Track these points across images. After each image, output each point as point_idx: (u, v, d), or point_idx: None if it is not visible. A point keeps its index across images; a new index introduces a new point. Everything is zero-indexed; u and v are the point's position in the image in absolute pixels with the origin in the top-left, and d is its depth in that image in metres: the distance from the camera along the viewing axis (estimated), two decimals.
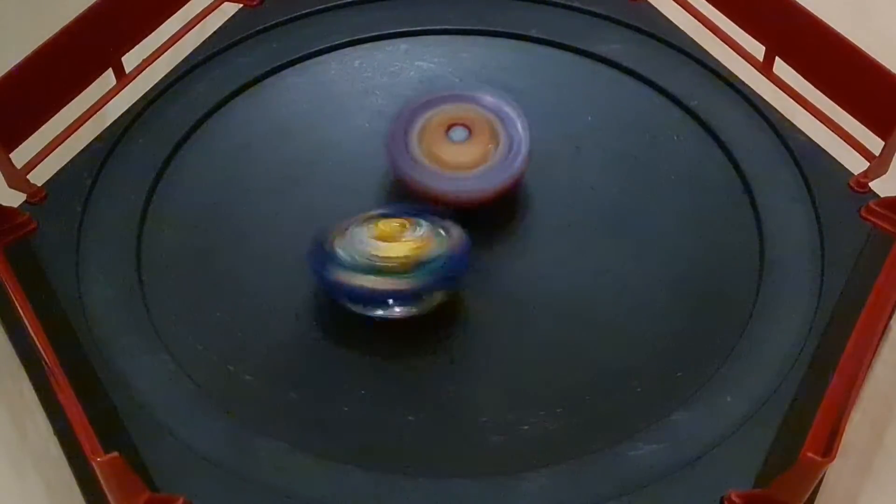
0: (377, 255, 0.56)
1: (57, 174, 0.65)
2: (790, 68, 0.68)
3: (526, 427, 0.56)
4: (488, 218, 0.63)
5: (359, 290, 0.56)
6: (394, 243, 0.57)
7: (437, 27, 0.73)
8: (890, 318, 0.60)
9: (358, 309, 0.58)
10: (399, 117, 0.63)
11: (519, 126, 0.63)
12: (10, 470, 0.58)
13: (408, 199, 0.62)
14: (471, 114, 0.63)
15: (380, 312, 0.57)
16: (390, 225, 0.58)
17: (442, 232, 0.58)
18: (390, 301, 0.57)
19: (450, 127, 0.63)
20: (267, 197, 0.65)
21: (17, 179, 0.63)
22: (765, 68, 0.70)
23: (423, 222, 0.58)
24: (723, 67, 0.70)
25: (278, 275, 0.61)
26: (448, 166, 0.62)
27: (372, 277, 0.56)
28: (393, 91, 0.70)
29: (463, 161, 0.62)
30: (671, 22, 0.73)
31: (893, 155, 0.64)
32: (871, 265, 0.59)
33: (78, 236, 0.62)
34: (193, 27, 0.73)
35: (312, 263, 0.58)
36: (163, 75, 0.70)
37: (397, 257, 0.56)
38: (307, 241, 0.62)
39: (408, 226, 0.58)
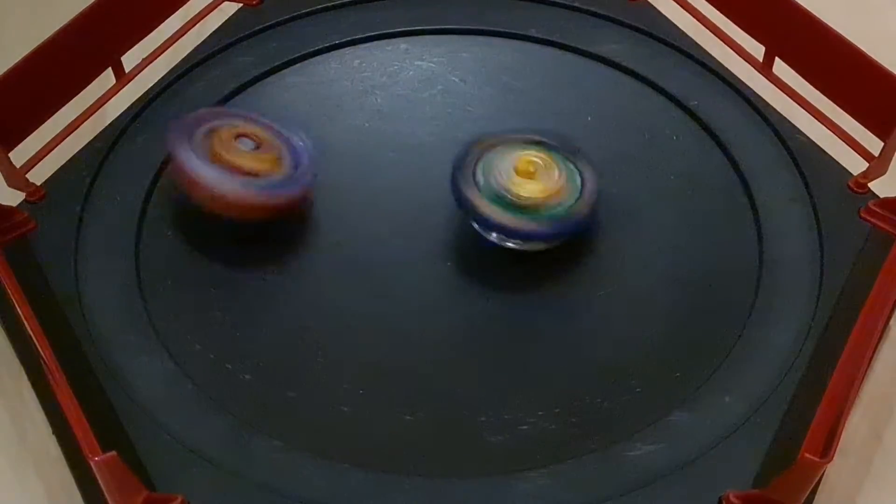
0: (510, 190, 0.59)
1: (56, 173, 0.65)
2: (790, 68, 0.68)
3: (524, 427, 0.56)
4: None
5: (483, 217, 0.59)
6: (529, 182, 0.59)
7: (437, 27, 0.73)
8: (889, 318, 0.60)
9: (479, 228, 0.61)
10: (179, 125, 0.62)
11: (303, 147, 0.63)
12: (9, 470, 0.58)
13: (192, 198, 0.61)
14: (256, 129, 0.63)
15: (493, 237, 0.61)
16: (533, 162, 0.60)
17: (578, 181, 0.61)
18: (505, 235, 0.60)
19: (238, 137, 0.62)
20: None
21: (16, 178, 0.63)
22: (764, 68, 0.70)
23: (564, 165, 0.61)
24: (722, 67, 0.70)
25: (278, 274, 0.61)
26: (240, 171, 0.60)
27: (499, 210, 0.59)
28: (392, 91, 0.70)
29: (255, 167, 0.60)
30: (671, 22, 0.73)
31: (893, 155, 0.64)
32: (871, 265, 0.59)
33: (77, 235, 0.62)
34: (193, 27, 0.73)
35: (454, 178, 0.60)
36: (162, 75, 0.70)
37: (528, 197, 0.59)
38: (307, 240, 0.63)
39: (549, 165, 0.60)
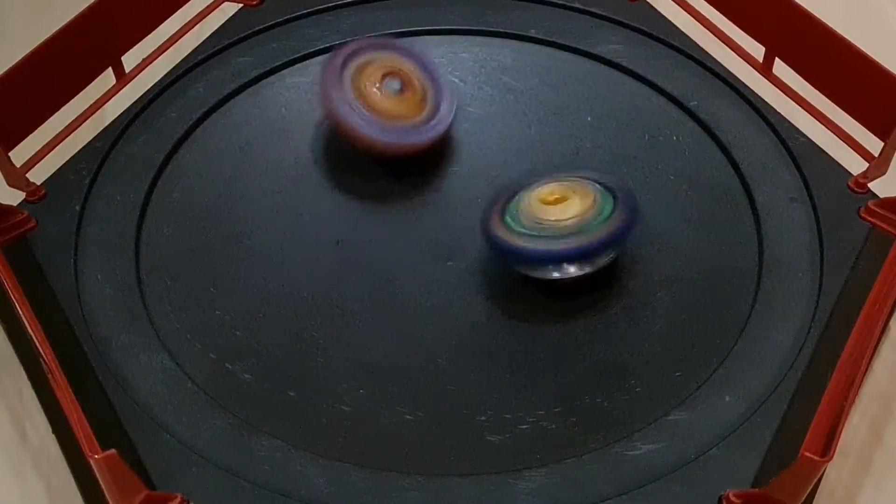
0: (544, 218, 0.58)
1: (56, 173, 0.65)
2: (790, 68, 0.68)
3: (524, 426, 0.56)
4: None
5: (530, 251, 0.58)
6: (559, 206, 0.58)
7: (437, 27, 0.73)
8: (889, 318, 0.60)
9: (536, 273, 0.59)
10: (331, 61, 0.65)
11: (444, 88, 0.66)
12: (9, 470, 0.58)
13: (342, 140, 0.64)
14: (403, 66, 0.65)
15: (556, 274, 0.58)
16: (554, 193, 0.59)
17: (606, 191, 0.59)
18: (563, 263, 0.58)
19: (384, 77, 0.64)
20: (266, 196, 0.65)
21: (16, 178, 0.64)
22: (764, 69, 0.70)
23: (588, 185, 0.59)
24: (722, 67, 0.70)
25: (277, 274, 0.61)
26: (384, 115, 0.63)
27: (542, 240, 0.57)
28: None
29: (397, 112, 0.64)
30: (671, 22, 0.73)
31: (893, 155, 0.64)
32: (871, 265, 0.59)
33: (77, 235, 0.62)
34: (193, 27, 0.73)
35: (488, 235, 0.59)
36: (162, 75, 0.70)
37: (565, 219, 0.58)
38: (307, 240, 0.63)
39: (574, 190, 0.59)
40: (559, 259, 0.58)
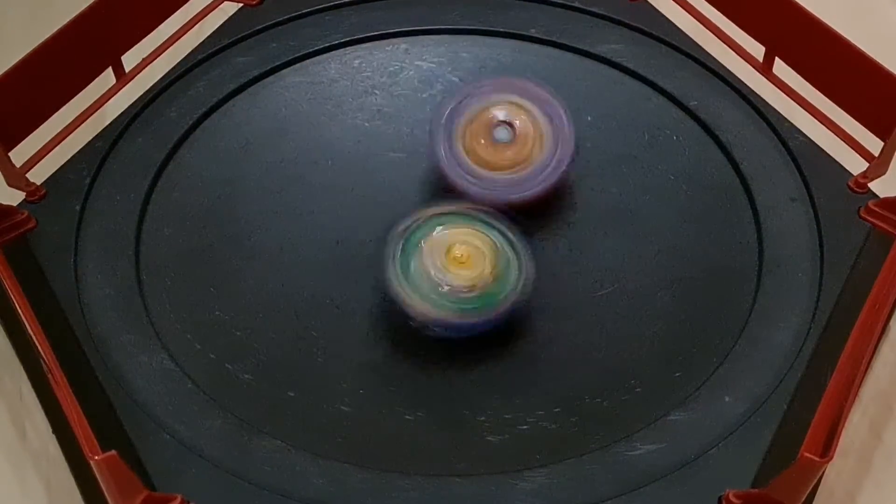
0: (452, 285, 0.56)
1: (56, 173, 0.65)
2: (790, 68, 0.68)
3: (524, 427, 0.56)
4: None
5: (442, 321, 0.56)
6: (467, 271, 0.56)
7: (437, 27, 0.73)
8: (889, 318, 0.60)
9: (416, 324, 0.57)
10: (443, 110, 0.63)
11: (565, 126, 0.62)
12: (9, 469, 0.58)
13: (445, 193, 0.61)
14: (516, 110, 0.62)
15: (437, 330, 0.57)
16: (464, 249, 0.57)
17: (512, 255, 0.58)
18: (447, 329, 0.57)
19: (495, 125, 0.62)
20: (266, 196, 0.65)
21: (16, 177, 0.63)
22: (764, 68, 0.70)
23: (497, 240, 0.58)
24: (723, 67, 0.70)
25: (277, 274, 0.61)
26: (490, 166, 0.61)
27: (451, 308, 0.56)
28: (392, 91, 0.70)
29: (505, 162, 0.61)
30: (671, 22, 0.73)
31: (893, 155, 0.64)
32: (871, 265, 0.59)
33: (77, 235, 0.62)
34: (193, 26, 0.73)
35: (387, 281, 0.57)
36: (162, 74, 0.70)
37: (470, 286, 0.56)
38: (307, 240, 0.63)
39: (482, 245, 0.57)
40: (445, 325, 0.57)
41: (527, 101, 0.62)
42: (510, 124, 0.62)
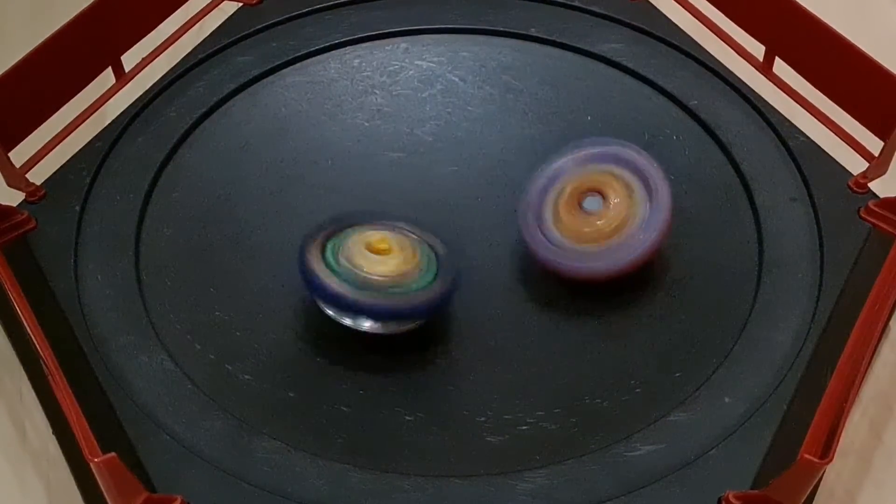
0: (362, 268, 0.55)
1: (56, 173, 0.65)
2: (790, 68, 0.68)
3: (524, 427, 0.56)
4: (488, 217, 0.63)
5: (338, 296, 0.55)
6: (382, 256, 0.56)
7: (437, 26, 0.73)
8: (889, 318, 0.60)
9: (330, 311, 0.57)
10: (531, 189, 0.60)
11: (660, 188, 0.58)
12: (9, 470, 0.58)
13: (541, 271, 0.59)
14: (605, 177, 0.59)
15: (347, 322, 0.57)
16: (384, 241, 0.57)
17: (433, 255, 0.57)
18: (363, 316, 0.56)
19: (583, 195, 0.59)
20: (266, 196, 0.65)
21: (16, 178, 0.63)
22: (765, 68, 0.70)
23: (416, 242, 0.58)
24: (723, 67, 0.70)
25: (277, 274, 0.61)
26: (582, 239, 0.58)
27: (353, 288, 0.55)
28: (392, 90, 0.70)
29: (595, 233, 0.58)
30: (671, 21, 0.73)
31: (893, 155, 0.64)
32: (871, 265, 0.59)
33: (77, 235, 0.62)
34: (193, 26, 0.73)
35: (301, 259, 0.57)
36: (162, 74, 0.70)
37: (383, 275, 0.55)
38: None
39: (400, 243, 0.57)
40: (361, 310, 0.56)
41: (622, 170, 0.59)
42: (598, 191, 0.58)
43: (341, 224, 0.58)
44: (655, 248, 0.58)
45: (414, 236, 0.58)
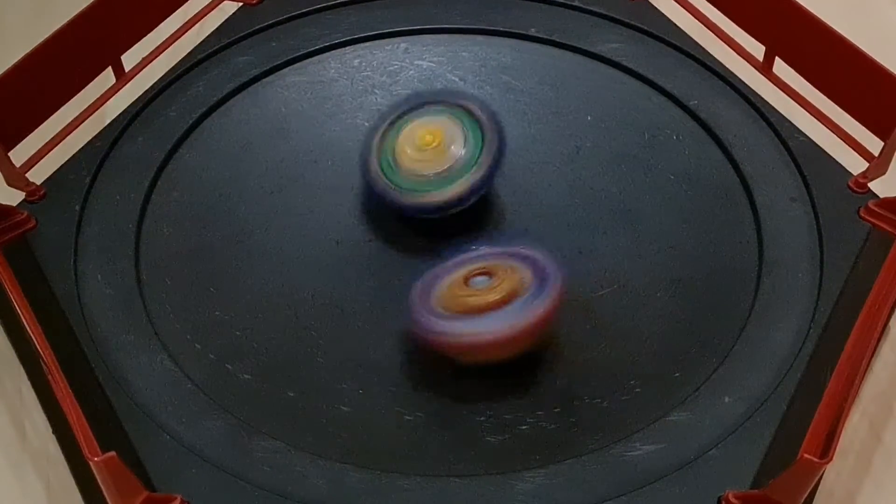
0: (418, 173, 0.61)
1: (56, 172, 0.65)
2: (790, 68, 0.68)
3: (523, 427, 0.56)
4: (488, 216, 0.63)
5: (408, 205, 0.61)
6: (431, 157, 0.61)
7: (437, 26, 0.73)
8: (889, 318, 0.60)
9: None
10: (417, 288, 0.58)
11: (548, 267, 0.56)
12: (9, 469, 0.58)
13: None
14: (492, 262, 0.57)
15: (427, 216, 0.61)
16: (424, 138, 0.61)
17: (471, 123, 0.62)
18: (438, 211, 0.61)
19: (468, 279, 0.56)
20: (266, 196, 0.65)
21: (15, 177, 0.64)
22: (765, 68, 0.70)
23: (456, 120, 0.62)
24: (723, 67, 0.70)
25: (277, 274, 0.61)
26: (469, 309, 0.55)
27: (419, 193, 0.61)
28: (392, 90, 0.70)
29: (482, 301, 0.55)
30: (671, 21, 0.73)
31: (893, 155, 0.64)
32: (871, 265, 0.59)
33: (76, 235, 0.62)
34: (193, 26, 0.73)
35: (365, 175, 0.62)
36: (162, 74, 0.70)
37: (437, 172, 0.60)
38: (307, 240, 0.63)
39: (442, 132, 0.61)
40: (432, 210, 0.61)
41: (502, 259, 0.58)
42: (486, 273, 0.56)
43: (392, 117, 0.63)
44: (542, 318, 0.55)
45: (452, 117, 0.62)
